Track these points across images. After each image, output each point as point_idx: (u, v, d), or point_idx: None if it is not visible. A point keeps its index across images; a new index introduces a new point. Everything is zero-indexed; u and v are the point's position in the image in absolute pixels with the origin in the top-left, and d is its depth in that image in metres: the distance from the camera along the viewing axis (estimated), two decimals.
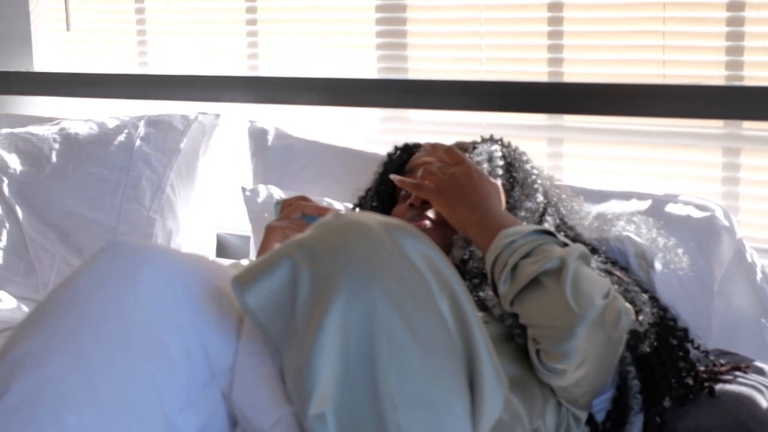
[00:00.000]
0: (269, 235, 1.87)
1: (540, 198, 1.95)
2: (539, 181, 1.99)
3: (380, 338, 1.20)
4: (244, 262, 2.01)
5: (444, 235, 1.89)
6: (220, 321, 1.34)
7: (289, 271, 1.25)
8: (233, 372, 1.32)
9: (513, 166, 2.00)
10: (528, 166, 2.02)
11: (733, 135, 2.36)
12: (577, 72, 2.52)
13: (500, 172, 1.97)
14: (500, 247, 1.59)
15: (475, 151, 2.03)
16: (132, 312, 1.29)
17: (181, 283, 1.33)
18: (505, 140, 2.11)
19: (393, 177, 1.86)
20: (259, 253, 1.89)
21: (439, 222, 1.90)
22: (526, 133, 2.58)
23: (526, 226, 1.62)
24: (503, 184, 1.94)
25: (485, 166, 1.97)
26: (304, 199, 1.95)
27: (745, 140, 2.36)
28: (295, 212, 1.88)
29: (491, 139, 2.12)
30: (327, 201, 2.35)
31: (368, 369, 1.19)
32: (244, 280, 1.27)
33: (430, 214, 1.92)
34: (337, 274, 1.22)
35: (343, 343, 1.20)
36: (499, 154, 2.02)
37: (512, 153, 2.05)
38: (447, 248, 1.90)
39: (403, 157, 2.16)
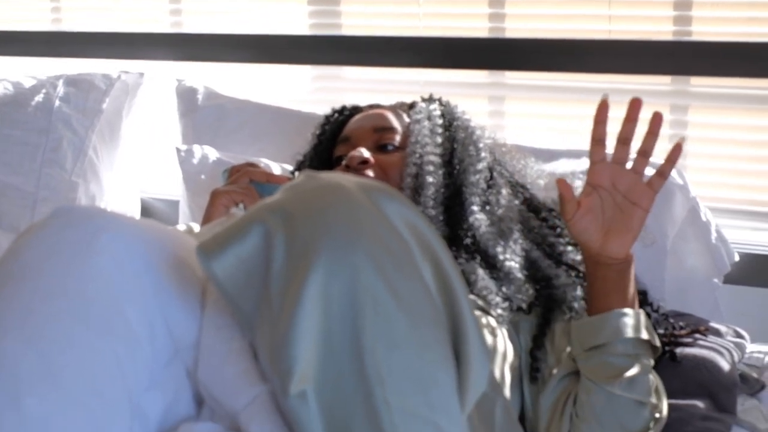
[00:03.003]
0: (215, 199, 1.78)
1: (483, 155, 1.88)
2: (482, 140, 1.92)
3: (365, 308, 1.10)
4: (195, 226, 1.90)
5: None
6: (183, 293, 1.22)
7: (261, 238, 1.14)
8: (199, 348, 1.21)
9: (452, 125, 1.92)
10: (470, 125, 1.95)
11: (681, 92, 2.32)
12: (519, 27, 2.44)
13: (440, 131, 1.90)
14: (614, 333, 1.56)
15: (413, 110, 1.96)
16: (90, 284, 1.16)
17: (141, 252, 1.21)
18: (445, 100, 2.03)
19: (558, 181, 1.60)
20: (204, 219, 1.79)
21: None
22: (466, 91, 2.51)
23: (640, 317, 1.59)
24: (442, 143, 1.88)
25: (425, 124, 1.90)
26: (252, 165, 1.87)
27: (693, 96, 2.32)
28: (243, 178, 1.80)
29: (430, 99, 2.05)
30: (264, 162, 2.25)
31: (353, 342, 1.09)
32: (211, 247, 1.15)
33: (370, 172, 1.84)
34: (316, 239, 1.11)
35: (325, 314, 1.09)
36: (438, 113, 1.95)
37: (452, 112, 1.97)
38: None
39: (340, 120, 2.07)
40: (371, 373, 1.08)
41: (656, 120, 1.55)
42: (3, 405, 1.07)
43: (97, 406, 1.10)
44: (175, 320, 1.21)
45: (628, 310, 1.58)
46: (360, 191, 1.18)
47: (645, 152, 1.55)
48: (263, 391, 1.15)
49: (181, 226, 1.97)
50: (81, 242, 1.20)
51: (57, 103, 2.57)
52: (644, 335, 1.56)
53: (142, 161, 2.74)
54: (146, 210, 2.72)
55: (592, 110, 2.34)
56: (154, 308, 1.20)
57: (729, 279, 2.15)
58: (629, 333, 1.56)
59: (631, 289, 1.61)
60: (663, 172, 1.55)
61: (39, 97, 2.59)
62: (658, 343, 1.59)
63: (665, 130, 2.30)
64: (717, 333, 1.94)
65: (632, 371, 1.55)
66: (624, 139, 1.56)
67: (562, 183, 1.57)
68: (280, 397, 1.10)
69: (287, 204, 1.17)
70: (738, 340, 1.92)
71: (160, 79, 2.72)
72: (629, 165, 1.56)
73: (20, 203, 2.50)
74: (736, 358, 1.85)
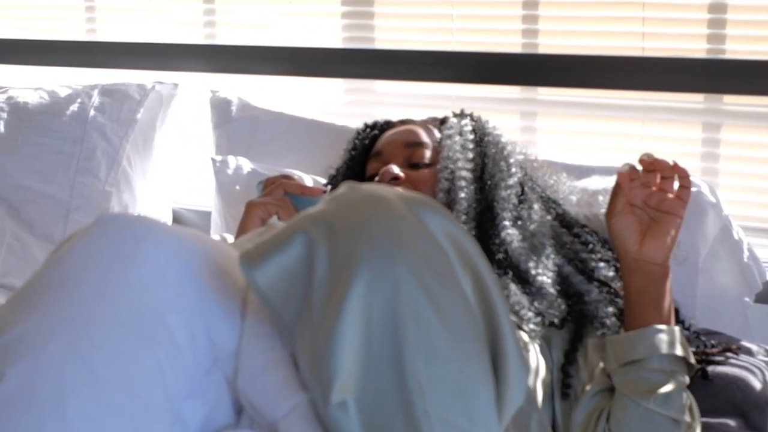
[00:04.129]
0: (250, 211, 1.79)
1: (514, 170, 1.89)
2: (513, 155, 1.93)
3: (406, 320, 1.11)
4: (228, 237, 1.91)
5: None
6: (224, 301, 1.23)
7: (304, 247, 1.15)
8: (239, 357, 1.22)
9: (483, 141, 1.94)
10: (500, 140, 1.96)
11: (714, 110, 2.32)
12: (552, 44, 2.44)
13: (471, 146, 1.92)
14: (651, 349, 1.58)
15: (445, 126, 1.98)
16: (133, 292, 1.18)
17: (183, 260, 1.22)
18: (476, 115, 2.05)
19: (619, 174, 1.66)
20: (239, 230, 1.80)
21: None
22: (498, 107, 2.52)
23: (676, 334, 1.60)
24: (474, 158, 1.89)
25: (457, 139, 1.92)
26: (287, 177, 1.89)
27: (726, 115, 2.31)
28: (278, 190, 1.81)
29: (462, 114, 2.07)
30: (298, 175, 2.26)
31: (394, 353, 1.10)
32: (254, 257, 1.16)
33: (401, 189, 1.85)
34: (358, 250, 1.13)
35: (366, 324, 1.10)
36: (470, 128, 1.97)
37: (483, 127, 1.99)
38: None
39: (373, 135, 2.08)
40: (412, 384, 1.09)
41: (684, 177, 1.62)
42: (47, 410, 1.08)
43: (139, 411, 1.11)
44: (215, 329, 1.22)
45: (664, 327, 1.60)
46: (402, 203, 1.19)
47: (670, 179, 1.62)
48: (303, 400, 1.16)
49: (215, 236, 1.98)
50: (124, 250, 1.21)
51: (92, 112, 2.59)
52: (679, 352, 1.57)
53: (175, 172, 2.75)
54: (177, 220, 2.74)
55: (623, 127, 2.38)
56: (196, 316, 1.21)
57: (760, 298, 2.15)
58: (665, 349, 1.57)
59: (668, 305, 1.63)
60: (684, 183, 1.61)
61: (74, 107, 2.60)
62: (693, 360, 1.60)
63: (697, 148, 2.32)
64: (748, 352, 1.93)
65: (668, 387, 1.55)
66: (648, 170, 1.62)
67: (621, 175, 1.62)
68: (320, 406, 1.11)
69: (330, 215, 1.18)
70: None
71: (194, 90, 2.73)
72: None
73: (53, 212, 2.51)
74: None
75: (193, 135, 2.74)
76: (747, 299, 2.12)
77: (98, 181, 2.54)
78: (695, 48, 2.30)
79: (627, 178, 1.62)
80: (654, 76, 2.27)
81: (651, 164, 1.62)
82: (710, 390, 1.78)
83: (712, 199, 2.08)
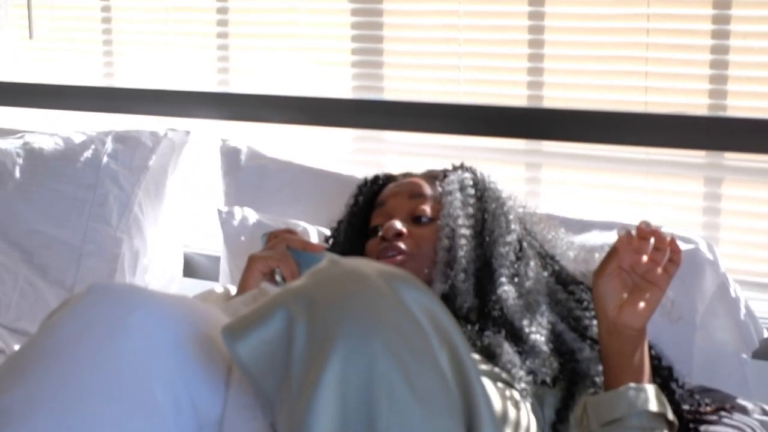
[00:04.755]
0: (251, 264, 1.83)
1: (514, 227, 1.92)
2: (513, 210, 1.96)
3: (380, 396, 1.14)
4: (232, 288, 1.95)
5: (419, 268, 1.87)
6: (209, 371, 1.27)
7: (284, 322, 1.19)
8: (222, 426, 1.26)
9: (484, 195, 1.97)
10: (501, 195, 1.99)
11: (715, 165, 2.34)
12: (557, 96, 2.48)
13: (471, 201, 1.95)
14: (629, 407, 1.61)
15: (446, 180, 2.01)
16: (121, 361, 1.22)
17: (170, 330, 1.26)
18: (476, 168, 2.07)
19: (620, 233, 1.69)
20: (241, 283, 1.84)
21: (412, 255, 1.89)
22: (503, 157, 2.55)
23: (652, 392, 1.63)
24: (474, 214, 1.92)
25: (457, 195, 1.94)
26: (290, 232, 1.92)
27: (727, 170, 2.33)
28: (280, 245, 1.84)
29: (462, 167, 2.09)
30: (302, 226, 2.30)
31: (368, 428, 1.13)
32: (236, 329, 1.21)
33: (403, 245, 1.89)
34: (336, 326, 1.16)
35: (342, 399, 1.14)
36: (471, 182, 2.00)
37: (483, 181, 2.01)
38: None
39: (374, 188, 2.11)
40: None
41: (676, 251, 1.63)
42: None
43: None
44: (200, 397, 1.26)
45: (641, 385, 1.63)
46: (380, 279, 1.22)
47: (663, 251, 1.62)
48: None
49: (219, 288, 2.01)
50: (115, 320, 1.26)
51: (105, 159, 2.63)
52: (654, 408, 1.60)
53: (187, 217, 2.79)
54: (189, 264, 2.77)
55: (626, 180, 2.40)
56: (180, 385, 1.25)
57: (758, 355, 2.16)
58: (643, 407, 1.60)
59: (645, 366, 1.66)
60: (675, 259, 1.63)
61: (88, 153, 2.64)
62: (671, 416, 1.63)
63: (699, 202, 2.34)
64: (743, 410, 1.94)
65: None
66: (643, 237, 1.63)
67: (621, 239, 1.64)
68: None
69: (310, 290, 1.22)
70: (764, 418, 1.93)
71: (206, 137, 2.77)
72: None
73: (66, 257, 2.55)
74: None
75: (205, 181, 2.78)
76: (744, 356, 2.14)
77: (110, 227, 2.58)
78: (697, 103, 2.32)
79: (626, 243, 1.65)
80: (656, 133, 2.29)
81: (649, 233, 1.64)
82: None
83: (710, 257, 2.10)
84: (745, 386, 2.11)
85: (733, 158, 2.32)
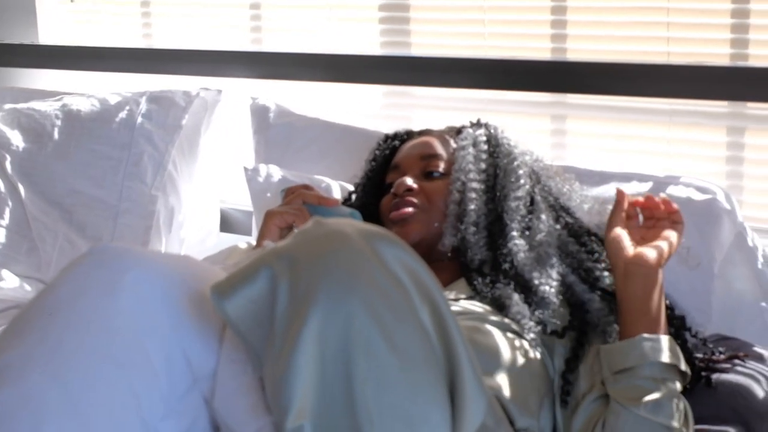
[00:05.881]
0: (268, 220, 1.88)
1: (523, 181, 1.95)
2: (524, 166, 1.99)
3: (357, 351, 1.19)
4: (242, 243, 2.00)
5: (429, 221, 1.92)
6: (202, 327, 1.33)
7: (268, 281, 1.24)
8: (215, 379, 1.31)
9: (496, 151, 2.01)
10: (513, 151, 2.02)
11: (738, 114, 2.33)
12: (580, 48, 2.48)
13: (484, 157, 1.99)
14: (641, 357, 1.64)
15: (460, 136, 2.05)
16: (115, 321, 1.28)
17: (163, 289, 1.32)
18: (494, 124, 2.11)
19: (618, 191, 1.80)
20: (258, 238, 1.89)
21: (423, 208, 1.94)
22: (529, 110, 2.56)
23: (666, 343, 1.66)
24: (486, 169, 1.97)
25: (470, 150, 1.98)
26: (306, 187, 1.97)
27: (750, 119, 2.33)
28: (297, 200, 1.89)
29: (478, 123, 2.13)
30: (325, 183, 2.34)
31: (345, 382, 1.18)
32: (223, 289, 1.26)
33: (414, 199, 1.93)
34: (316, 285, 1.21)
35: (321, 355, 1.19)
36: (484, 138, 2.04)
37: (497, 137, 2.05)
38: (433, 236, 1.92)
39: (393, 145, 2.15)
40: (361, 412, 1.18)
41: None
42: None
43: None
44: (193, 352, 1.32)
45: (654, 336, 1.65)
46: (361, 238, 1.26)
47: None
48: (267, 423, 1.25)
49: (242, 244, 2.06)
50: (109, 280, 1.32)
51: (139, 119, 2.69)
52: (666, 359, 1.63)
53: (222, 174, 2.85)
54: (225, 219, 2.83)
55: (650, 131, 2.41)
56: (173, 341, 1.31)
57: None
58: (655, 357, 1.63)
59: (662, 317, 1.68)
60: (676, 219, 1.75)
61: (123, 114, 2.70)
62: (683, 367, 1.65)
63: (722, 152, 2.34)
64: (759, 358, 1.94)
65: (656, 394, 1.61)
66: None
67: (619, 192, 1.75)
68: (280, 429, 1.20)
69: (293, 250, 1.26)
70: None
71: (237, 95, 2.82)
72: None
73: (103, 215, 2.62)
74: None
75: (238, 139, 2.83)
76: (764, 304, 2.14)
77: (145, 186, 2.64)
78: (719, 53, 2.32)
79: (624, 194, 1.69)
80: (678, 83, 2.29)
81: (634, 203, 1.75)
82: (713, 397, 1.81)
83: (727, 206, 2.11)
84: (765, 333, 2.12)
85: (756, 107, 2.31)
